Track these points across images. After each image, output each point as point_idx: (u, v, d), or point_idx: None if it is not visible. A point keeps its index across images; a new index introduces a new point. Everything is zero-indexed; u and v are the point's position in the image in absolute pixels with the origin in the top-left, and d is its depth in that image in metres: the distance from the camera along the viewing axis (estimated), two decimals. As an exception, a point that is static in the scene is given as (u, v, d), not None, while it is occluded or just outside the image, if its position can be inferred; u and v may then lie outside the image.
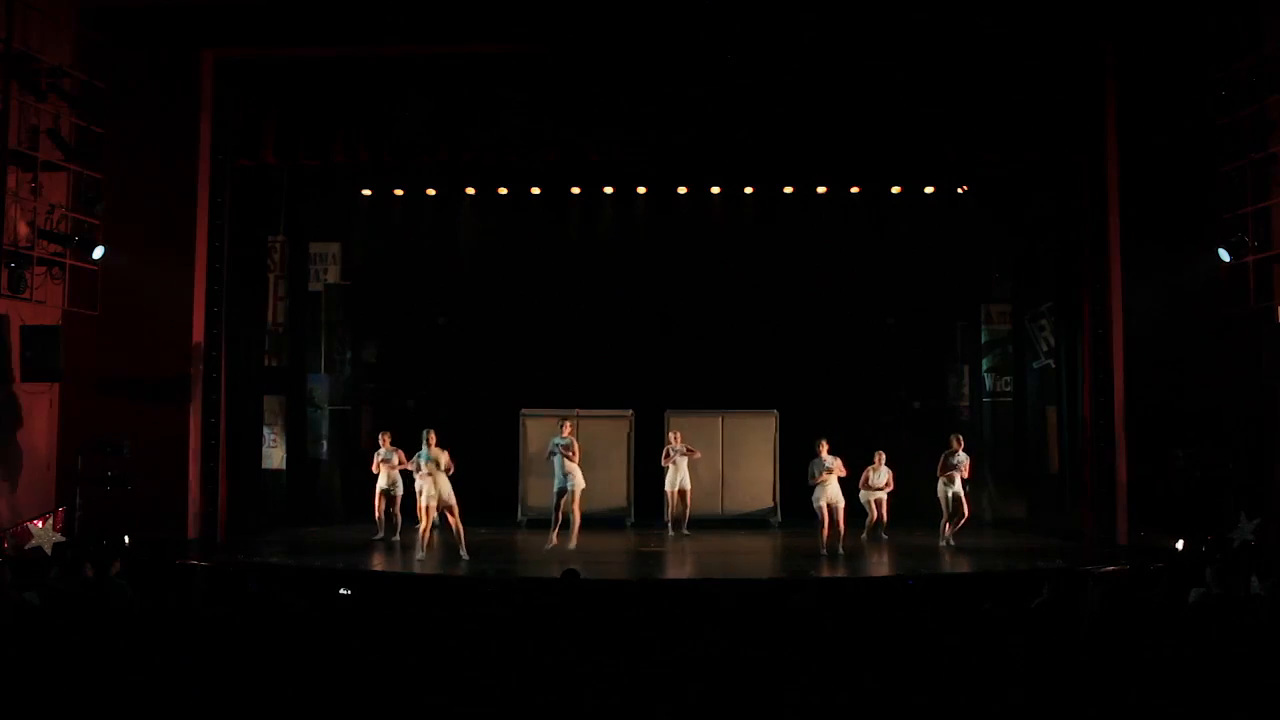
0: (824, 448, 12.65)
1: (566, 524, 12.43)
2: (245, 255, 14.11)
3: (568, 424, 12.87)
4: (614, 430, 15.31)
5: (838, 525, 12.51)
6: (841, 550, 12.44)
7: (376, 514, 13.50)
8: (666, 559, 12.92)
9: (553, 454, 12.56)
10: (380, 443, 13.66)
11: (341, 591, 9.88)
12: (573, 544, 12.25)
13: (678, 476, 14.06)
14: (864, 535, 13.23)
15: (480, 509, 13.73)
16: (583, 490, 12.50)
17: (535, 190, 16.09)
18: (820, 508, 12.51)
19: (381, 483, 13.48)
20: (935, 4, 12.77)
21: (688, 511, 14.15)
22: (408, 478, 13.00)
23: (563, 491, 12.42)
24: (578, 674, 5.93)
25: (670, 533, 14.03)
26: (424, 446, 12.01)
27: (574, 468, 12.44)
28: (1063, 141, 13.30)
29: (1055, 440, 14.62)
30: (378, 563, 12.21)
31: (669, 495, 14.10)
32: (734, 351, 15.89)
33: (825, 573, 11.58)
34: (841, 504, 12.56)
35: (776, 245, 16.13)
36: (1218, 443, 12.08)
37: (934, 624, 7.39)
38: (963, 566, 11.95)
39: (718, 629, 7.18)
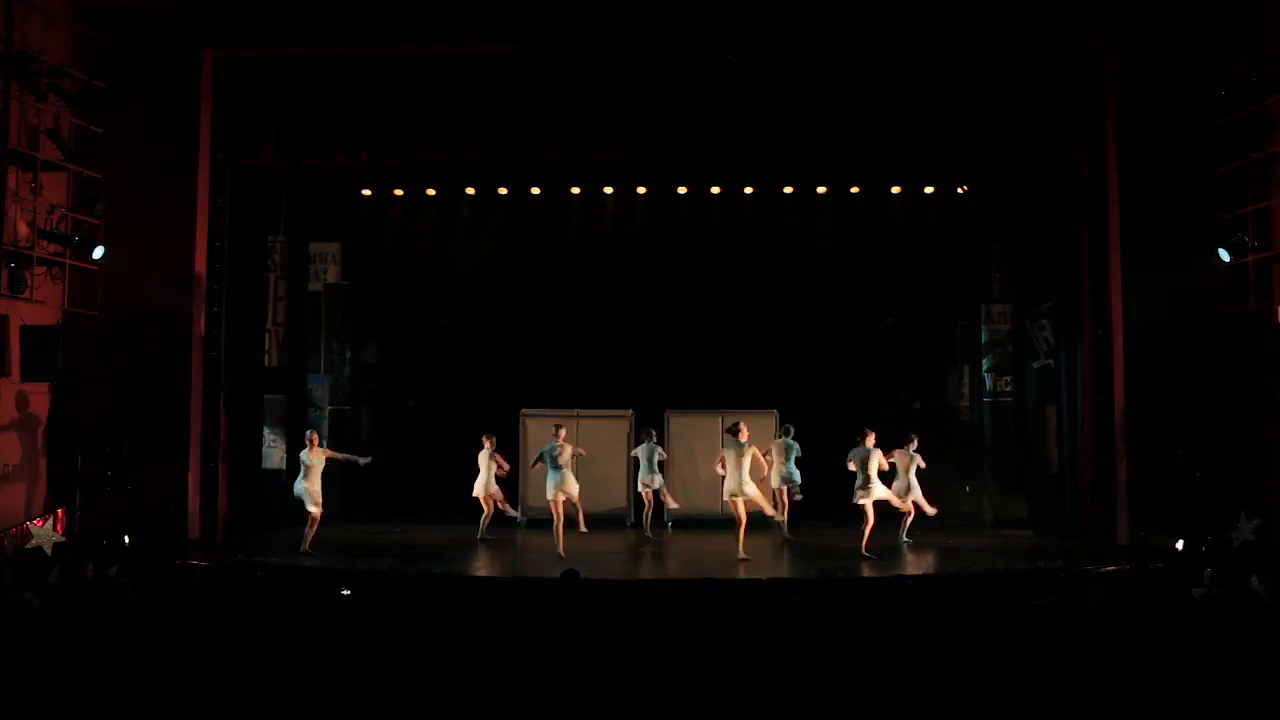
0: (870, 438, 12.36)
1: None
2: (245, 255, 14.11)
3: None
4: (614, 430, 15.30)
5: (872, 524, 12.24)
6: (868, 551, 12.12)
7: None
8: (666, 559, 12.92)
9: None
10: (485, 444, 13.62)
11: (342, 592, 9.87)
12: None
13: (653, 478, 13.90)
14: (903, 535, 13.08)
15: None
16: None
17: (535, 190, 16.10)
18: (865, 505, 12.20)
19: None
20: (936, 3, 12.77)
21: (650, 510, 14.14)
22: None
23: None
24: (577, 674, 5.93)
25: (650, 533, 14.02)
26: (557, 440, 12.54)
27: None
28: (1063, 141, 13.30)
29: (1055, 440, 14.60)
30: (378, 563, 12.20)
31: (646, 496, 13.99)
32: (734, 351, 15.86)
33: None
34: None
35: (776, 245, 16.12)
36: (1218, 443, 12.08)
37: (933, 624, 7.39)
38: (963, 566, 11.94)
39: (717, 629, 7.18)
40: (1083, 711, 5.63)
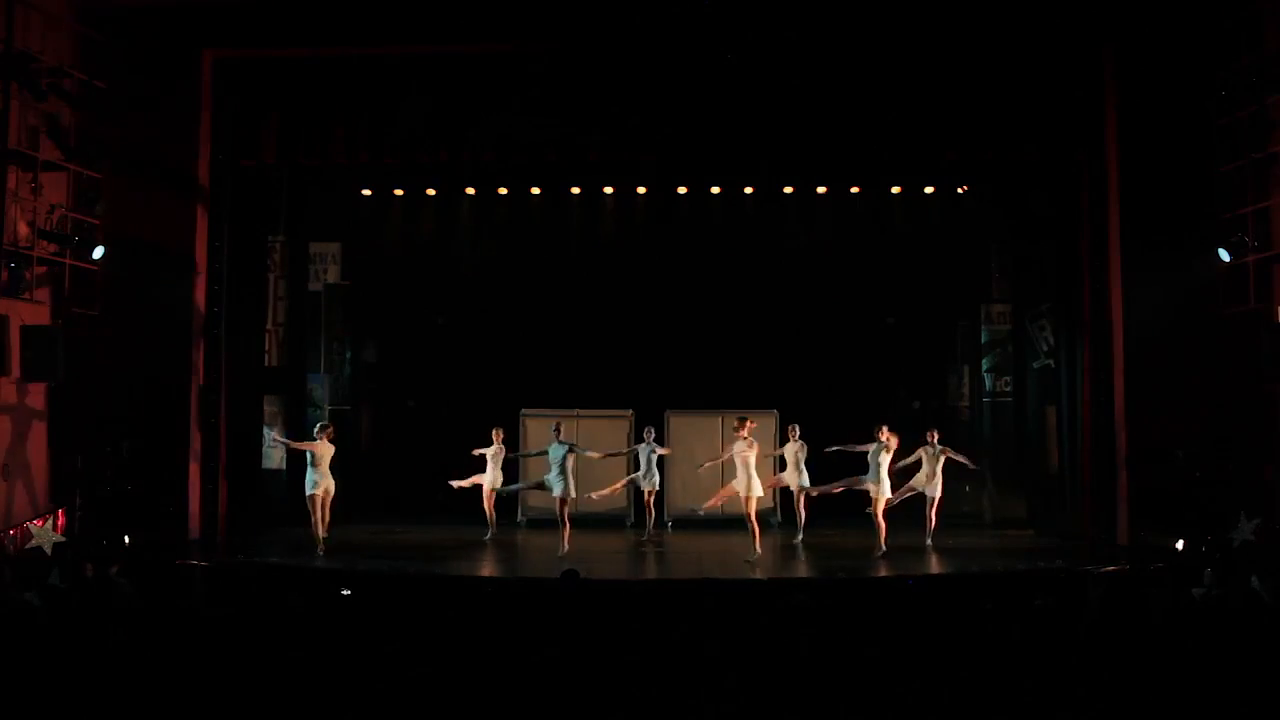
0: (884, 433, 12.32)
1: None
2: (245, 255, 14.12)
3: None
4: (614, 430, 15.28)
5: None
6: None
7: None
8: (666, 559, 12.92)
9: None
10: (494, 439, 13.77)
11: (342, 592, 9.86)
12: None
13: (651, 477, 13.88)
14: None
15: (480, 509, 13.74)
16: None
17: (535, 190, 16.12)
18: (875, 502, 12.25)
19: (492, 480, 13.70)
20: (936, 3, 12.77)
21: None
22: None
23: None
24: (577, 674, 5.92)
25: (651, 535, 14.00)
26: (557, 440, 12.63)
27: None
28: (1063, 141, 13.30)
29: (1055, 440, 14.60)
30: (378, 563, 12.20)
31: (649, 497, 13.97)
32: (734, 351, 15.87)
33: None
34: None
35: (777, 245, 16.14)
36: (1218, 443, 12.08)
37: (933, 624, 7.39)
38: (963, 566, 11.94)
39: (718, 629, 7.17)
40: (1083, 712, 5.63)
